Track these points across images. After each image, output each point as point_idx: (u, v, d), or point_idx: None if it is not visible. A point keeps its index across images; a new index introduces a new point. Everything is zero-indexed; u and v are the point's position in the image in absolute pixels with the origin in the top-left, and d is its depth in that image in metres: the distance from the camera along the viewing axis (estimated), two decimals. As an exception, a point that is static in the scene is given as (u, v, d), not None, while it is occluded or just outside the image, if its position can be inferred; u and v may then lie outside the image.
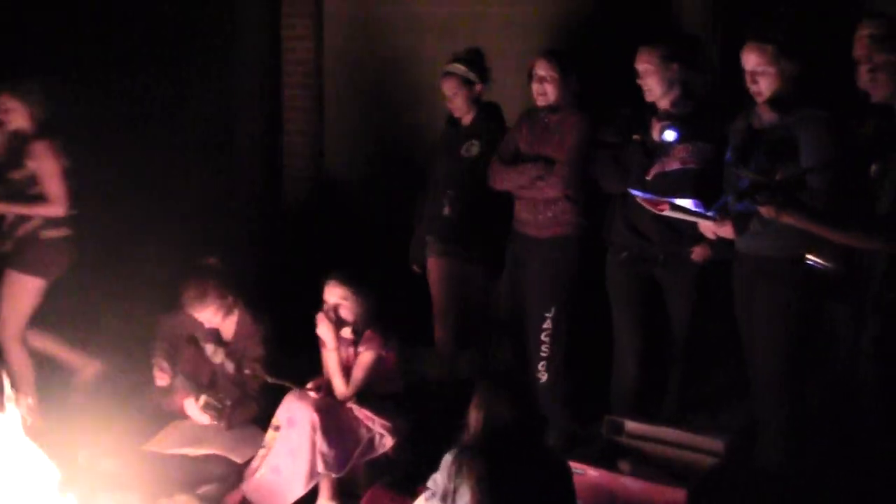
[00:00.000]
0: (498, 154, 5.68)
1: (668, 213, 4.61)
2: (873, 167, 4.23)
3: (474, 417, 3.99)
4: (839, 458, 4.69)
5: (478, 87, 5.93)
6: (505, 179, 5.61)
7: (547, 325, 5.58)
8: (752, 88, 4.69)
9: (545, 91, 5.52)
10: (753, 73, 4.67)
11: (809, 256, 4.43)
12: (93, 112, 6.47)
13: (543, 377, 5.60)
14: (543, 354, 5.59)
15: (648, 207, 4.69)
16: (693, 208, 4.51)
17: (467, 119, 5.98)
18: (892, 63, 4.11)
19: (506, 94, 6.12)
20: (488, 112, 6.00)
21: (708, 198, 4.64)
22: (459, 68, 5.91)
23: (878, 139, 4.29)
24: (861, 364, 4.28)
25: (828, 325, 4.75)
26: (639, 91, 5.26)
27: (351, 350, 5.23)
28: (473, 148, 5.90)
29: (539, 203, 5.54)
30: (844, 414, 4.56)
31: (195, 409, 5.34)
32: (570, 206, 5.51)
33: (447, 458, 3.99)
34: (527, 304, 5.69)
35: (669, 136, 5.09)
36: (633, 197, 5.02)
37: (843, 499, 4.58)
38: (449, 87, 5.92)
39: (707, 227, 4.68)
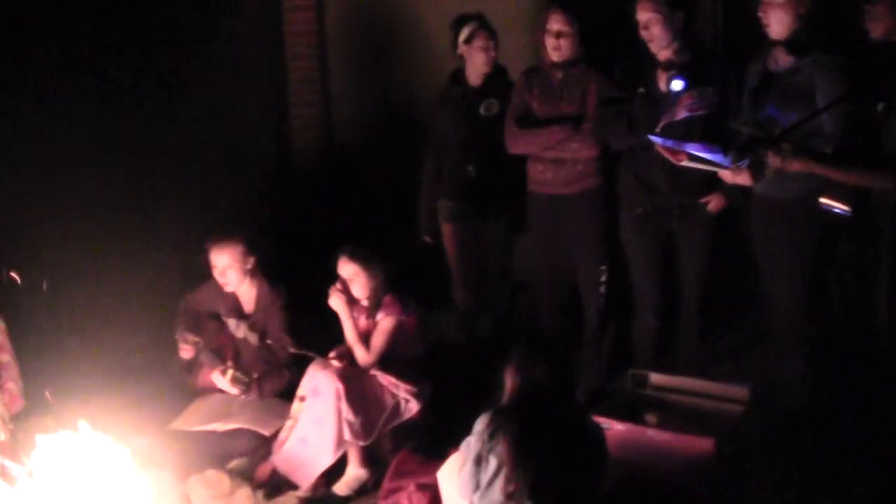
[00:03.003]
0: (511, 118, 5.62)
1: (685, 163, 4.59)
2: (880, 105, 4.24)
3: (509, 381, 3.99)
4: (861, 397, 4.73)
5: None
6: (527, 143, 5.55)
7: (603, 278, 5.59)
8: (763, 20, 4.70)
9: (560, 46, 5.45)
10: (767, 5, 4.67)
11: (824, 199, 4.44)
12: (107, 89, 6.47)
13: (594, 329, 5.66)
14: (599, 307, 5.63)
15: (667, 156, 4.67)
16: (710, 157, 4.49)
17: (479, 79, 5.91)
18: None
19: (504, 56, 6.10)
20: (498, 72, 5.95)
21: (716, 142, 4.64)
22: (490, 24, 5.85)
23: (883, 77, 4.30)
24: (878, 302, 4.30)
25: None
26: (633, 43, 5.23)
27: (370, 318, 5.25)
28: (494, 106, 5.83)
29: (566, 161, 5.52)
30: (860, 348, 4.59)
31: (224, 382, 5.34)
32: (594, 158, 5.50)
33: (480, 422, 3.98)
34: (574, 262, 5.69)
35: (677, 85, 5.06)
36: (645, 150, 5.04)
37: (867, 437, 4.61)
38: (485, 39, 5.81)
39: (726, 175, 4.67)
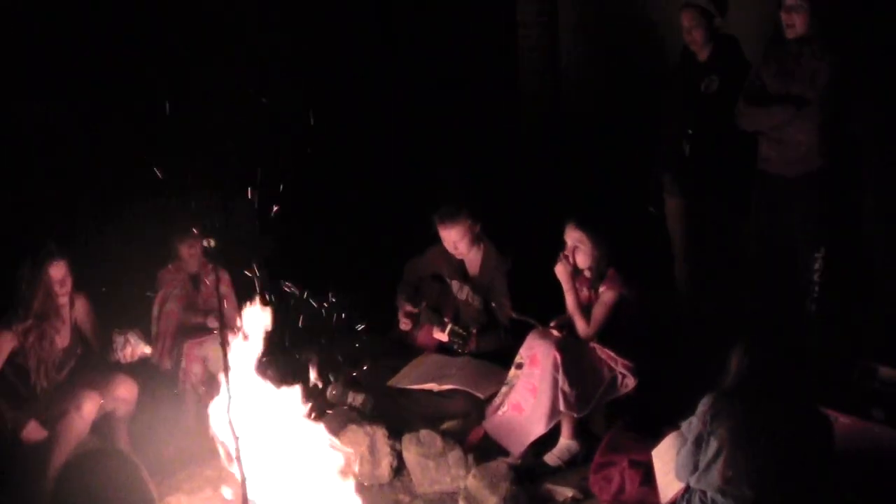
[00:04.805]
0: (744, 92, 5.44)
1: None
2: None
3: (735, 364, 3.90)
4: None
5: (716, 21, 5.72)
6: (751, 121, 5.38)
7: (817, 265, 5.37)
8: None
9: (793, 22, 5.25)
10: None
11: None
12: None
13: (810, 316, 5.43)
14: (815, 295, 5.41)
15: None
16: None
17: (704, 54, 5.78)
18: None
19: (740, 29, 5.91)
20: (726, 46, 5.78)
21: None
22: (700, 2, 5.72)
23: None
24: None
25: None
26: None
27: (592, 289, 5.20)
28: (713, 84, 5.71)
29: (787, 141, 5.32)
30: None
31: (443, 336, 5.47)
32: (819, 142, 5.28)
33: (704, 403, 3.91)
34: (791, 247, 5.48)
35: None
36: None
37: None
38: (688, 20, 5.72)
39: None
